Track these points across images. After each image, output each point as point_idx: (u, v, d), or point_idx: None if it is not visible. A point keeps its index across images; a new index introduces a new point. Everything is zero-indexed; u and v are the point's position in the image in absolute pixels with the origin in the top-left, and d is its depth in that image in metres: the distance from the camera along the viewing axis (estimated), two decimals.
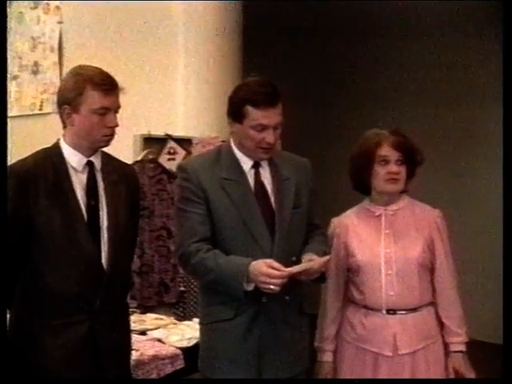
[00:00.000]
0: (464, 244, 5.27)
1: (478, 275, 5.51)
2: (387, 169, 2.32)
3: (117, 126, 2.12)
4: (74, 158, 2.12)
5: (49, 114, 4.57)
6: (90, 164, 2.14)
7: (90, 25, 4.33)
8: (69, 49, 4.53)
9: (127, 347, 2.29)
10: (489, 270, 5.33)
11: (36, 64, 4.75)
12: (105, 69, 2.15)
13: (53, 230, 2.05)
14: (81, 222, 2.08)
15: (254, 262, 2.06)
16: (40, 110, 4.71)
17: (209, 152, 2.53)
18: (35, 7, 4.74)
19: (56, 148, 2.14)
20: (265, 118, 2.11)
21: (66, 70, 4.40)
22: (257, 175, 2.22)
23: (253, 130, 2.13)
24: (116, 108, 2.11)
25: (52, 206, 2.05)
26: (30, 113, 4.72)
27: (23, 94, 4.81)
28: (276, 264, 2.03)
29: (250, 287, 2.07)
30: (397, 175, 2.32)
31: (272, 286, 2.02)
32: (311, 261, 2.11)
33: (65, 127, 2.14)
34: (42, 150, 2.17)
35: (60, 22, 4.59)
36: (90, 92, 2.06)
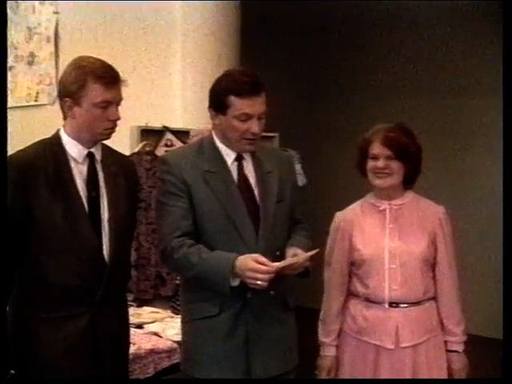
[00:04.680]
0: (464, 239, 5.27)
1: (478, 270, 5.50)
2: (375, 164, 2.34)
3: (119, 119, 2.09)
4: (74, 149, 2.10)
5: (44, 105, 4.54)
6: (90, 155, 2.12)
7: (86, 15, 4.30)
8: (65, 39, 4.50)
9: (127, 340, 2.28)
10: (489, 265, 5.32)
11: (32, 55, 4.72)
12: None
13: (54, 221, 2.02)
14: (82, 213, 2.06)
15: (240, 257, 2.01)
16: (35, 101, 4.68)
17: (191, 145, 2.51)
18: None
19: (56, 139, 2.12)
20: (249, 107, 2.08)
21: (62, 60, 4.44)
22: (240, 168, 2.18)
23: (237, 120, 2.09)
24: (118, 101, 2.09)
25: (53, 197, 2.02)
26: (26, 104, 4.68)
27: (18, 84, 4.78)
28: (263, 259, 1.99)
29: (236, 282, 2.02)
30: (384, 170, 2.33)
31: (259, 282, 1.97)
32: (296, 255, 2.08)
33: (65, 118, 2.12)
34: (41, 140, 2.14)
35: (56, 13, 4.55)
36: (92, 85, 2.03)
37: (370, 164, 2.35)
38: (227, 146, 2.17)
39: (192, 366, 2.19)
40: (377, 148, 2.33)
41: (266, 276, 1.97)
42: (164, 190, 2.17)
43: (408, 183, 2.42)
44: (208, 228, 2.13)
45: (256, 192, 2.17)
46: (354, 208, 2.48)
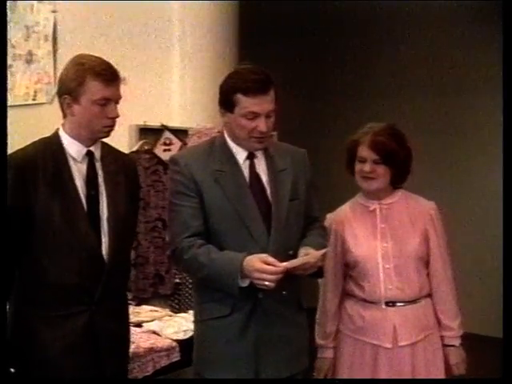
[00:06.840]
0: (463, 237, 5.29)
1: (478, 269, 5.51)
2: (362, 167, 2.33)
3: (117, 116, 2.10)
4: (73, 148, 2.10)
5: (43, 104, 4.53)
6: (89, 154, 2.12)
7: (84, 14, 4.29)
8: (63, 38, 4.48)
9: (126, 338, 2.29)
10: (489, 265, 5.32)
11: (30, 53, 4.70)
12: None
13: (53, 220, 2.03)
14: (81, 212, 2.07)
15: (248, 257, 1.99)
16: (34, 99, 4.66)
17: (202, 144, 2.48)
18: None
19: (55, 137, 2.12)
20: (256, 106, 2.05)
21: (61, 59, 4.43)
22: (251, 167, 2.17)
23: (244, 118, 2.07)
24: (117, 99, 2.09)
25: (52, 195, 2.03)
26: (24, 103, 4.67)
27: (17, 83, 4.76)
28: (271, 259, 1.97)
29: (245, 283, 2.01)
30: (370, 174, 2.32)
31: (267, 283, 1.95)
32: (307, 255, 2.05)
33: (65, 117, 2.12)
34: (41, 139, 2.14)
35: (54, 11, 4.54)
36: (91, 82, 2.03)
37: (358, 166, 2.35)
38: (238, 144, 2.15)
39: (203, 365, 2.19)
40: (364, 151, 2.32)
41: (273, 277, 1.95)
42: (175, 190, 2.16)
43: (396, 184, 2.41)
44: (219, 228, 2.11)
45: (268, 191, 2.15)
46: (344, 209, 2.48)
